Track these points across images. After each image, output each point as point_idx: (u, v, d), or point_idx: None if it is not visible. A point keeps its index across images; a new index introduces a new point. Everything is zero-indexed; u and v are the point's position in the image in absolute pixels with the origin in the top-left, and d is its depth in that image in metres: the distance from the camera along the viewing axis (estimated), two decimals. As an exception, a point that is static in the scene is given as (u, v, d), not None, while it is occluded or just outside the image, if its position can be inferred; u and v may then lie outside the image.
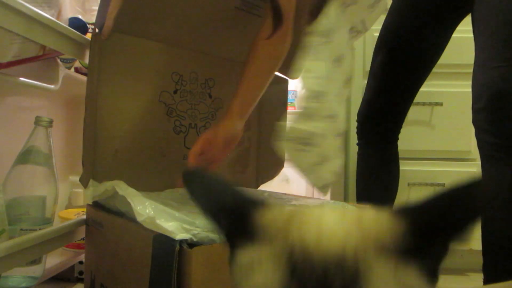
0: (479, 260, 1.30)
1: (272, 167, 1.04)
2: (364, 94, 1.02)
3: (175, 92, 0.84)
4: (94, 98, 0.71)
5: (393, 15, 0.95)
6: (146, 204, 0.55)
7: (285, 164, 1.05)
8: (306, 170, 0.68)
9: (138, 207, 0.54)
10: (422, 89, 1.30)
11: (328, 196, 1.33)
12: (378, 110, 0.99)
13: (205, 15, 0.84)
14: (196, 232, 0.48)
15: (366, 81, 1.35)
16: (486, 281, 0.72)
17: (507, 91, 0.67)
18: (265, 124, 1.05)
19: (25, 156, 0.68)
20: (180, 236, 0.47)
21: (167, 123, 0.84)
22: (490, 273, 0.71)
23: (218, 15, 0.86)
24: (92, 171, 0.71)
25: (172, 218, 0.51)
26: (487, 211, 0.71)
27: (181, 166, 0.87)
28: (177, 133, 0.86)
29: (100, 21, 0.74)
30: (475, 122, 0.75)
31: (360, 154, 1.05)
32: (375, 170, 1.02)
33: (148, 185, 0.74)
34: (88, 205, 0.71)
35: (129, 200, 0.56)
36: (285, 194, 0.85)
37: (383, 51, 0.95)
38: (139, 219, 0.52)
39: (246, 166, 1.02)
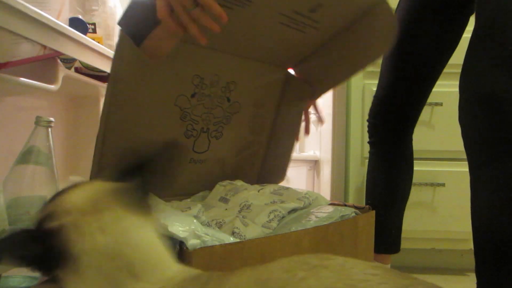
0: (479, 260, 1.30)
1: (272, 177, 1.01)
2: (376, 91, 1.00)
3: (193, 95, 0.80)
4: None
5: (401, 9, 0.94)
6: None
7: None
8: None
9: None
10: (422, 89, 1.31)
11: (328, 197, 1.34)
12: (390, 108, 0.97)
13: (244, 23, 0.74)
14: (206, 239, 0.49)
15: (366, 81, 1.36)
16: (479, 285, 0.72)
17: (496, 94, 0.66)
18: (278, 130, 1.00)
19: (25, 156, 0.68)
20: (191, 242, 0.47)
21: (179, 127, 0.80)
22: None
23: (258, 25, 0.77)
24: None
25: (184, 224, 0.51)
26: (480, 211, 0.70)
27: (187, 170, 0.85)
28: (188, 137, 0.82)
29: (133, 32, 0.65)
30: (461, 121, 0.74)
31: (371, 153, 1.04)
32: (383, 170, 1.00)
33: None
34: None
35: None
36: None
37: (394, 50, 0.94)
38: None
39: (251, 170, 1.01)
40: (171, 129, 0.79)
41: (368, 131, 1.03)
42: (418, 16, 0.90)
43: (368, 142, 1.04)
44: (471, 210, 0.73)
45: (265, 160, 1.01)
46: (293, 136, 1.01)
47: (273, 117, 0.98)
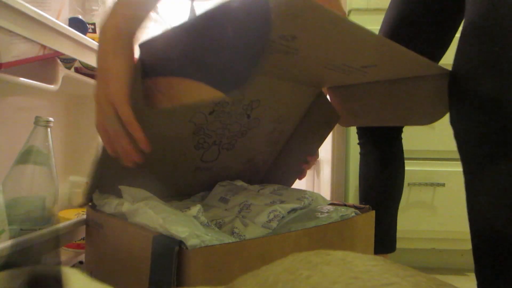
0: (479, 260, 1.30)
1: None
2: None
3: (211, 113, 0.75)
4: None
5: (392, 9, 0.94)
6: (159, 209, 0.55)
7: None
8: None
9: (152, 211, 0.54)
10: (422, 89, 1.31)
11: (328, 197, 1.33)
12: None
13: (284, 61, 0.67)
14: (206, 239, 0.49)
15: (366, 81, 1.36)
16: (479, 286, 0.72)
17: (491, 95, 0.66)
18: (292, 145, 0.96)
19: (25, 156, 0.68)
20: (191, 242, 0.47)
21: (191, 141, 0.77)
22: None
23: (300, 65, 0.71)
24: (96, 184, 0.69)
25: (183, 224, 0.51)
26: (479, 213, 0.69)
27: (190, 176, 0.84)
28: (197, 149, 0.80)
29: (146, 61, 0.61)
30: (453, 123, 0.74)
31: (361, 154, 1.05)
32: (376, 170, 1.01)
33: (153, 193, 0.71)
34: (88, 205, 0.71)
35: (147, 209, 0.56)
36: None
37: None
38: (152, 225, 0.53)
39: (255, 176, 0.99)
40: (180, 143, 0.76)
41: (357, 132, 1.04)
42: (411, 12, 0.90)
43: (358, 144, 1.04)
44: (468, 212, 0.73)
45: (271, 170, 1.00)
46: (304, 157, 0.97)
47: (292, 132, 0.95)
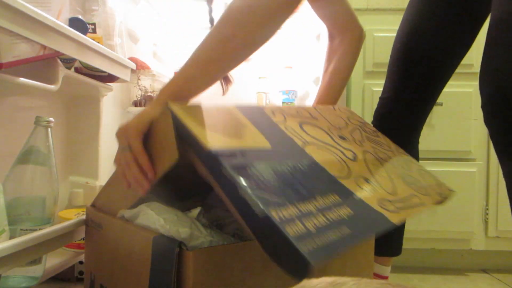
0: (479, 260, 1.30)
1: None
2: (383, 91, 0.97)
3: None
4: None
5: (410, 8, 0.91)
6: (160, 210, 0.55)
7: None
8: None
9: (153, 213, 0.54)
10: (422, 89, 1.30)
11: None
12: (397, 109, 0.95)
13: None
14: (207, 240, 0.49)
15: (366, 81, 1.36)
16: None
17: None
18: None
19: (25, 156, 0.68)
20: (192, 243, 0.47)
21: None
22: None
23: None
24: None
25: (185, 225, 0.51)
26: None
27: (194, 177, 0.84)
28: None
29: None
30: (488, 122, 0.72)
31: None
32: None
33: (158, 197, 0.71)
34: (88, 205, 0.71)
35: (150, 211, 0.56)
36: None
37: (401, 49, 0.92)
38: (153, 226, 0.53)
39: None
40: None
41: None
42: (430, 8, 0.88)
43: None
44: None
45: None
46: None
47: None
